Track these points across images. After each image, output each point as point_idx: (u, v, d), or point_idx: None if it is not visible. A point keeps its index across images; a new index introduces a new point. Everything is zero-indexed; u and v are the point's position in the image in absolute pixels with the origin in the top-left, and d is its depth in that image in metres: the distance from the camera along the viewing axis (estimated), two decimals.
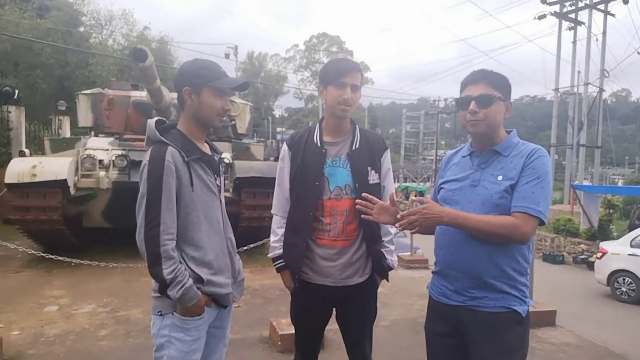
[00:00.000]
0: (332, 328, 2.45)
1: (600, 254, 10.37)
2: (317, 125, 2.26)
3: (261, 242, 5.90)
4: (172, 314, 1.80)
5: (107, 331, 4.14)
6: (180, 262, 1.77)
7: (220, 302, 1.91)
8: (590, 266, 12.90)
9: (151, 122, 1.83)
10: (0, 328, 4.15)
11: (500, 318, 1.83)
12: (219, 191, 1.95)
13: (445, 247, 1.92)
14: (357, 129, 2.26)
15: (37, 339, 3.92)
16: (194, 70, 1.86)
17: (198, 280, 1.81)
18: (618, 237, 14.61)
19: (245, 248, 5.88)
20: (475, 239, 1.82)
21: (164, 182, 1.72)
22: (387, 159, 2.30)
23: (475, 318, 1.85)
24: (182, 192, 1.78)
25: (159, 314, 1.83)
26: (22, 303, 4.90)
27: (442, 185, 2.01)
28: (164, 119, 1.94)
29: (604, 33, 22.70)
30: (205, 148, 1.95)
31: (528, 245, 1.89)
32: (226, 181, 6.58)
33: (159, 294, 1.78)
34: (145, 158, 1.77)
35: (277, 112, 61.73)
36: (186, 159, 1.79)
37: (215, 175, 1.94)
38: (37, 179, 5.77)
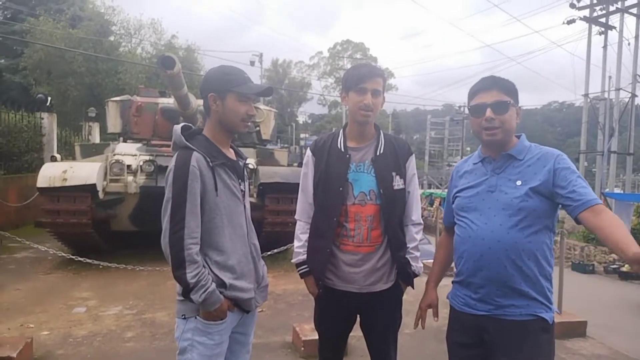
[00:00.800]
0: (356, 335, 2.43)
1: None
2: (341, 130, 2.26)
3: (285, 247, 5.91)
4: (195, 317, 1.82)
5: (133, 333, 4.20)
6: (204, 266, 1.78)
7: (242, 307, 1.92)
8: (622, 276, 12.53)
9: (177, 127, 1.86)
10: (31, 328, 4.26)
11: (527, 326, 1.81)
12: (243, 196, 1.96)
13: (468, 255, 1.89)
14: (382, 134, 2.25)
15: (65, 340, 4.00)
16: (219, 76, 1.89)
17: (221, 284, 1.82)
18: None
19: (269, 253, 5.91)
20: (499, 246, 1.78)
21: (189, 186, 1.74)
22: (412, 164, 2.28)
23: (501, 327, 1.82)
24: (206, 197, 1.80)
25: (183, 317, 1.85)
26: (51, 304, 5.02)
27: (458, 194, 2.00)
28: (190, 124, 1.96)
29: (637, 37, 22.11)
30: (231, 153, 1.97)
31: (551, 248, 1.86)
32: (250, 187, 6.63)
33: (182, 298, 1.80)
34: (171, 163, 1.80)
35: (301, 119, 62.10)
36: (211, 164, 1.81)
37: (240, 181, 1.96)
38: (67, 184, 5.93)
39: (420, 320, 2.21)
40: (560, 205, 1.84)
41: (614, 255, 14.91)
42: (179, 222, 1.73)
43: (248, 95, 1.89)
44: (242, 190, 1.95)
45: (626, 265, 13.55)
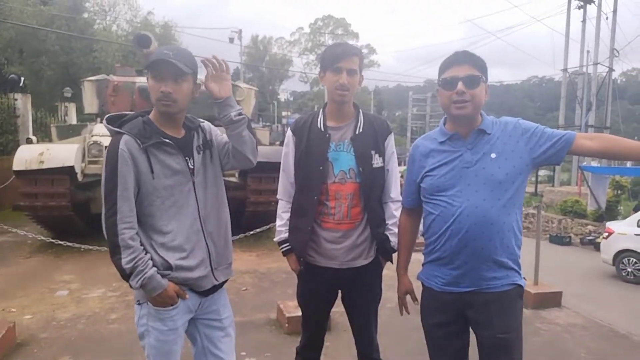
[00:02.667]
0: (339, 310, 2.48)
1: (607, 233, 10.33)
2: (321, 110, 2.27)
3: (267, 226, 5.93)
4: (147, 303, 1.79)
5: (117, 315, 4.21)
6: (145, 251, 1.74)
7: (195, 288, 1.86)
8: (598, 247, 12.88)
9: (104, 120, 1.81)
10: (13, 313, 4.23)
11: (509, 295, 1.88)
12: (193, 173, 1.85)
13: (452, 233, 1.85)
14: (361, 113, 2.26)
15: (48, 323, 4.00)
16: (149, 59, 1.81)
17: (167, 267, 1.77)
18: (625, 218, 14.58)
19: (252, 232, 5.92)
20: (485, 220, 1.81)
21: (119, 171, 1.69)
22: (391, 142, 2.29)
23: (485, 300, 1.86)
24: (142, 180, 1.74)
25: (138, 303, 1.83)
26: (33, 288, 4.99)
27: (429, 174, 1.94)
28: (126, 113, 1.88)
29: (615, 11, 22.29)
30: (177, 132, 1.86)
31: (521, 218, 1.95)
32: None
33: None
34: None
35: (283, 96, 61.51)
36: (142, 146, 1.73)
37: (187, 157, 1.84)
38: (44, 166, 5.83)
39: (403, 307, 2.24)
40: (538, 165, 1.94)
41: (590, 227, 15.32)
42: (111, 208, 1.69)
43: (158, 72, 1.75)
44: (190, 168, 1.84)
45: (601, 237, 13.95)
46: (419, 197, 2.03)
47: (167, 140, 1.79)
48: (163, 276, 1.76)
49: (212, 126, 2.00)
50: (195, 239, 1.85)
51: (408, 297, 2.22)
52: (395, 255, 2.31)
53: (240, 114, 1.89)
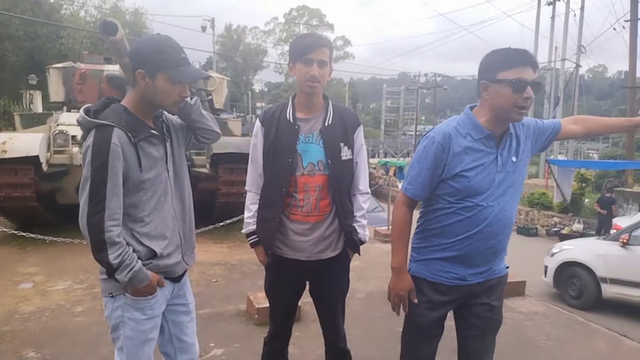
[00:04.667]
0: (308, 301, 2.50)
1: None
2: (290, 101, 2.25)
3: (238, 217, 5.89)
4: (124, 294, 1.78)
5: (83, 307, 4.13)
6: (128, 244, 1.72)
7: (172, 274, 1.88)
8: (562, 238, 13.28)
9: (82, 112, 1.72)
10: None
11: (504, 279, 2.04)
12: (166, 160, 1.85)
13: (483, 237, 1.84)
14: (330, 105, 2.25)
15: (11, 316, 3.90)
16: (152, 53, 1.72)
17: (152, 255, 1.78)
18: (590, 210, 15.06)
19: (221, 224, 5.89)
20: (510, 222, 1.89)
21: (110, 165, 1.63)
22: (360, 135, 2.30)
23: (490, 286, 1.96)
24: (129, 174, 1.70)
25: (110, 295, 1.80)
26: None
27: (463, 174, 1.82)
28: (108, 100, 1.82)
29: (582, 8, 22.87)
30: (151, 122, 1.84)
31: None
32: (203, 157, 6.52)
33: (106, 277, 1.74)
34: (89, 139, 1.67)
35: (257, 87, 60.96)
36: (133, 140, 1.70)
37: (162, 145, 1.84)
38: (7, 156, 5.64)
39: (402, 305, 2.02)
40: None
41: (555, 219, 15.79)
42: (99, 203, 1.63)
43: (180, 80, 1.75)
44: (165, 154, 1.85)
45: (566, 228, 14.38)
46: (431, 189, 1.92)
47: (154, 132, 1.78)
48: (145, 264, 1.76)
49: (166, 114, 1.96)
50: (172, 226, 1.86)
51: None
52: (367, 247, 2.32)
53: (191, 99, 1.92)
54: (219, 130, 2.10)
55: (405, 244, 2.01)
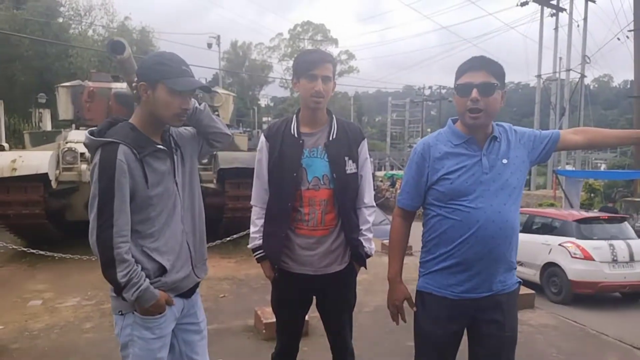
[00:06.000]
0: (316, 315, 2.50)
1: None
2: (294, 116, 2.28)
3: (245, 232, 5.91)
4: (133, 313, 1.78)
5: (92, 324, 4.15)
6: (138, 261, 1.73)
7: (181, 289, 1.88)
8: None
9: (86, 133, 1.75)
10: None
11: (515, 294, 1.99)
12: (175, 174, 1.86)
13: (477, 240, 1.84)
14: (334, 119, 2.28)
15: (21, 333, 3.91)
16: (152, 65, 1.77)
17: (161, 271, 1.79)
18: None
19: (228, 239, 5.90)
20: (507, 225, 1.86)
21: (117, 182, 1.65)
22: (364, 148, 2.32)
23: (499, 302, 1.92)
24: (136, 190, 1.71)
25: (120, 313, 1.81)
26: (5, 298, 4.88)
27: (446, 177, 1.88)
28: (113, 120, 1.85)
29: (585, 19, 22.94)
30: (159, 138, 1.86)
31: None
32: (209, 172, 6.57)
33: (115, 295, 1.75)
34: (96, 157, 1.70)
35: (263, 102, 61.33)
36: (138, 156, 1.71)
37: (170, 160, 1.86)
38: (17, 173, 5.71)
39: (399, 315, 2.10)
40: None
41: None
42: (107, 220, 1.65)
43: (179, 90, 1.75)
44: (173, 169, 1.86)
45: None
46: (422, 199, 2.00)
47: (160, 147, 1.80)
48: (154, 282, 1.76)
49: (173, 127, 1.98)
50: (181, 240, 1.87)
51: (405, 304, 2.11)
52: (374, 260, 2.32)
53: (195, 107, 1.94)
54: (229, 132, 2.11)
55: (399, 254, 2.09)
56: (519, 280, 2.02)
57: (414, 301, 2.08)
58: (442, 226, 1.92)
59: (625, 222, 9.43)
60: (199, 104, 1.95)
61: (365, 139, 2.36)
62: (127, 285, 1.68)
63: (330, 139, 2.21)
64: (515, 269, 2.00)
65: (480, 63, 1.87)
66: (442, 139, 1.97)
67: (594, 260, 7.77)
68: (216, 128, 2.01)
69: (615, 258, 8.12)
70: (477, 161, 1.88)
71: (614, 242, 8.34)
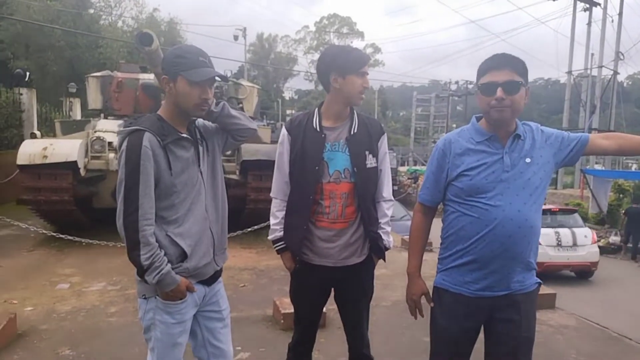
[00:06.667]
0: (333, 308, 2.52)
1: None
2: (316, 110, 2.30)
3: (266, 223, 5.96)
4: (155, 297, 1.85)
5: (117, 308, 4.27)
6: (160, 246, 1.79)
7: (202, 275, 1.94)
8: (599, 251, 12.87)
9: (121, 123, 1.84)
10: (15, 304, 4.31)
11: (534, 294, 1.97)
12: (199, 163, 1.93)
13: (494, 237, 1.83)
14: (355, 114, 2.30)
15: (49, 315, 4.07)
16: (171, 58, 1.85)
17: (183, 256, 1.84)
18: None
19: (249, 229, 5.98)
20: (527, 224, 1.84)
21: (142, 167, 1.73)
22: (384, 143, 2.34)
23: (516, 301, 1.90)
24: (161, 176, 1.79)
25: (144, 297, 1.88)
26: (35, 281, 5.06)
27: (466, 173, 1.89)
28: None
29: (620, 14, 22.23)
30: (185, 129, 1.92)
31: None
32: (232, 164, 6.65)
33: (140, 278, 1.82)
34: (123, 144, 1.79)
35: (287, 94, 61.55)
36: (162, 143, 1.79)
37: (194, 149, 1.92)
38: (48, 161, 5.90)
39: (417, 310, 2.12)
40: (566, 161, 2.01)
41: None
42: (132, 204, 1.72)
43: (197, 81, 1.82)
44: (197, 157, 1.92)
45: (602, 240, 13.94)
46: (442, 195, 2.00)
47: (184, 135, 1.87)
48: (175, 267, 1.83)
49: (200, 120, 2.04)
50: (204, 227, 1.93)
51: (423, 299, 2.11)
52: (393, 255, 2.34)
53: (217, 104, 2.00)
54: (254, 126, 2.16)
55: (419, 250, 2.11)
56: (539, 281, 1.99)
57: (431, 296, 2.09)
58: (460, 223, 1.92)
59: (576, 214, 11.38)
60: (217, 105, 2.00)
61: (385, 134, 2.37)
62: (149, 267, 1.75)
63: (352, 133, 2.23)
64: (535, 269, 1.97)
65: (503, 61, 1.85)
66: (464, 135, 1.97)
67: (540, 244, 7.90)
68: (239, 125, 2.06)
69: (559, 243, 10.12)
70: (498, 159, 1.87)
71: (560, 229, 10.29)
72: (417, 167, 32.08)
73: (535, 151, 1.90)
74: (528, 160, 1.87)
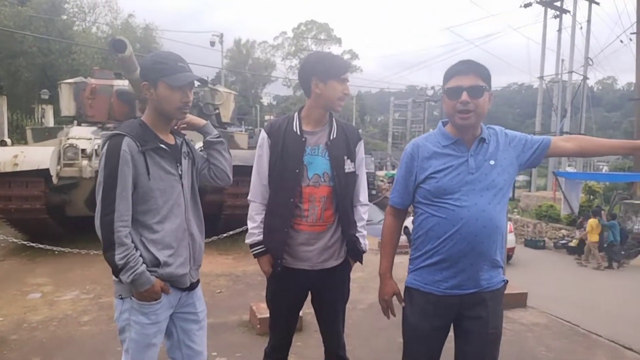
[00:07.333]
0: (310, 312, 2.54)
1: None
2: (296, 114, 2.32)
3: (242, 228, 5.97)
4: (131, 298, 1.87)
5: (90, 317, 4.21)
6: (136, 248, 1.83)
7: (178, 284, 1.97)
8: (570, 250, 13.22)
9: (94, 132, 1.89)
10: None
11: (500, 292, 2.02)
12: (181, 177, 1.98)
13: (461, 237, 1.89)
14: (334, 119, 2.34)
15: (19, 325, 3.98)
16: (150, 65, 1.90)
17: (155, 263, 1.87)
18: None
19: (225, 235, 5.95)
20: (491, 223, 1.89)
21: (119, 170, 1.78)
22: (361, 149, 2.40)
23: (484, 299, 1.95)
24: (139, 180, 1.83)
25: (120, 297, 1.90)
26: (5, 291, 4.95)
27: (433, 175, 1.95)
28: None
29: (589, 21, 22.95)
30: (170, 138, 1.99)
31: None
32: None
33: (117, 279, 1.85)
34: (103, 148, 1.84)
35: (266, 100, 61.42)
36: (141, 148, 1.83)
37: (177, 164, 1.98)
38: (19, 168, 5.78)
39: (389, 310, 2.17)
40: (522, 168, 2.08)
41: (563, 231, 15.69)
42: (109, 205, 1.78)
43: (178, 85, 1.88)
44: (179, 172, 1.97)
45: (574, 240, 14.29)
46: (412, 197, 2.06)
47: (162, 146, 1.91)
48: (150, 272, 1.85)
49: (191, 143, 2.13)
50: (181, 238, 1.95)
51: (394, 299, 2.16)
52: (370, 258, 2.37)
53: (218, 137, 2.16)
54: (231, 177, 2.26)
55: (389, 251, 2.16)
56: (505, 279, 2.06)
57: (402, 297, 2.14)
58: (429, 223, 1.98)
59: None
60: (219, 137, 2.16)
61: (362, 140, 2.43)
62: (124, 267, 1.78)
63: (331, 138, 2.28)
64: (502, 267, 2.04)
65: (469, 67, 1.93)
66: (431, 139, 2.04)
67: None
68: (222, 166, 2.18)
69: None
70: (463, 161, 1.93)
71: None
72: (395, 172, 32.30)
73: (499, 153, 1.97)
74: (492, 162, 1.94)
